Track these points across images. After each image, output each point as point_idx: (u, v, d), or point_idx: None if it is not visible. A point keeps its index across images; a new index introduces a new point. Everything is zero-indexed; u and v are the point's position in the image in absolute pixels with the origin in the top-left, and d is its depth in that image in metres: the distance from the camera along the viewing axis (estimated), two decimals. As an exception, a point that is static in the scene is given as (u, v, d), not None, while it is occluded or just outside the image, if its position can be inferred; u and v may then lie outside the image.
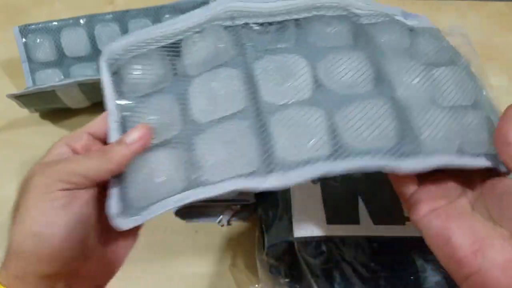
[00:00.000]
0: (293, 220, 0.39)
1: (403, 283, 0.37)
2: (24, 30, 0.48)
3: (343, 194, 0.40)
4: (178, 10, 0.46)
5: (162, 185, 0.27)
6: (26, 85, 0.50)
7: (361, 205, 0.39)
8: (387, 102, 0.28)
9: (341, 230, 0.38)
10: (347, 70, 0.30)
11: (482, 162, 0.27)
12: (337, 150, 0.27)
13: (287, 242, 0.39)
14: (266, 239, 0.42)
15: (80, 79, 0.43)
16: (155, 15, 0.47)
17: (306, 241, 0.38)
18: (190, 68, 0.31)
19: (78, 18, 0.48)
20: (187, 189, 0.27)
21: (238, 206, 0.43)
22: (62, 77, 0.49)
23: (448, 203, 0.27)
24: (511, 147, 0.24)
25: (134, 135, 0.26)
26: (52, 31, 0.48)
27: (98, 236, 0.26)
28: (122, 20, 0.47)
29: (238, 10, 0.32)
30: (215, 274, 0.43)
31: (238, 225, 0.41)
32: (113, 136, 0.28)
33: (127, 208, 0.26)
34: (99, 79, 0.30)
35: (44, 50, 0.48)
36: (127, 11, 0.47)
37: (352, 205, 0.39)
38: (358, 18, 0.33)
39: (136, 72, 0.30)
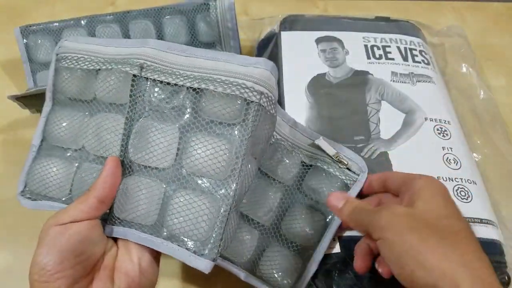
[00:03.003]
0: (293, 219, 0.40)
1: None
2: (25, 31, 0.48)
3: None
4: (178, 12, 0.47)
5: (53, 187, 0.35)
6: (27, 85, 0.50)
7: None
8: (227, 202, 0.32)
9: (339, 230, 0.39)
10: (205, 154, 0.31)
11: None
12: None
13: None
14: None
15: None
16: (156, 16, 0.47)
17: (306, 241, 0.38)
18: (101, 98, 0.35)
19: (79, 19, 0.48)
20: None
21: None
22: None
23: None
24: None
25: (104, 174, 0.31)
26: (53, 32, 0.48)
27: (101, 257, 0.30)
28: (123, 21, 0.47)
29: (150, 60, 0.33)
30: (215, 274, 0.43)
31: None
32: (40, 125, 0.37)
33: (27, 191, 0.36)
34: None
35: (45, 50, 0.48)
36: (128, 12, 0.47)
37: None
38: (261, 96, 0.31)
39: (67, 81, 0.36)
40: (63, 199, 0.35)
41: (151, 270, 0.32)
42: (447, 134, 0.44)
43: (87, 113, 0.35)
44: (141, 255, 0.31)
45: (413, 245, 0.26)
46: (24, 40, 0.48)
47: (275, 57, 0.50)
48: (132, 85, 0.33)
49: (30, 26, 0.48)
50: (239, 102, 0.31)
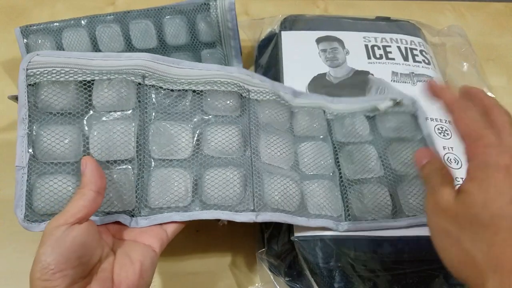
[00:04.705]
0: (293, 219, 0.40)
1: (402, 282, 0.37)
2: (26, 31, 0.48)
3: (342, 193, 0.40)
4: (179, 12, 0.47)
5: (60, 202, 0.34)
6: (27, 85, 0.50)
7: (361, 205, 0.40)
8: (247, 169, 0.38)
9: (340, 230, 0.39)
10: (221, 138, 0.38)
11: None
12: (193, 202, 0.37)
13: (287, 241, 0.39)
14: (266, 239, 0.42)
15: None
16: (156, 16, 0.47)
17: (306, 241, 0.38)
18: (100, 107, 0.36)
19: (79, 19, 0.48)
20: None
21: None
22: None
23: None
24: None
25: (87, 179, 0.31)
26: (53, 31, 0.48)
27: (100, 258, 0.31)
28: (123, 21, 0.47)
29: (150, 71, 0.38)
30: (215, 274, 0.43)
31: (238, 224, 0.41)
32: (20, 144, 0.35)
33: (32, 215, 0.34)
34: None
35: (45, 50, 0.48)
36: (128, 12, 0.47)
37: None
38: (249, 93, 0.41)
39: (53, 96, 0.35)
40: None
41: (150, 272, 0.33)
42: (447, 134, 0.44)
43: (84, 123, 0.36)
44: (143, 258, 0.32)
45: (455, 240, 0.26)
46: (25, 40, 0.48)
47: (276, 57, 0.50)
48: (138, 92, 0.37)
49: (31, 26, 0.48)
50: (236, 96, 0.39)
